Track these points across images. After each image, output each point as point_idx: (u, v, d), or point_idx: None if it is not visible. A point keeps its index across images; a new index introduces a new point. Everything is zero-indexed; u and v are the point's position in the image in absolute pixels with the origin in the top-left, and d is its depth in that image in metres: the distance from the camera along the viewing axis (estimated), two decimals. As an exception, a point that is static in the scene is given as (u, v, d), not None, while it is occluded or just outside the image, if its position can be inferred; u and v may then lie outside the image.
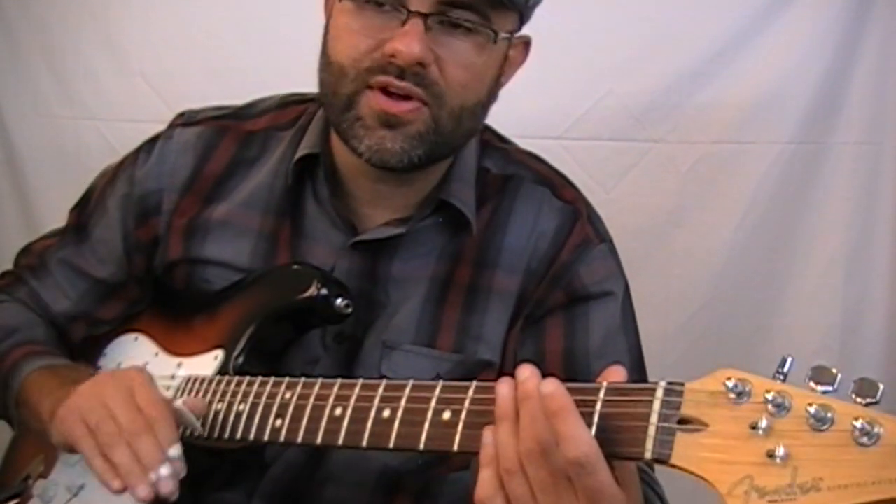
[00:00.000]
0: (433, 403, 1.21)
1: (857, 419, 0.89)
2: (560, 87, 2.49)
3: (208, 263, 1.66)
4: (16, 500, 1.63)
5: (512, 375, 1.12)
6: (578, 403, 1.06)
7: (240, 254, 1.65)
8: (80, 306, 1.78)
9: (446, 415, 1.19)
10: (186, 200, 1.70)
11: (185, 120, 1.76)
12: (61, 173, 2.65)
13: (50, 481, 1.58)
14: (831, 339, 2.56)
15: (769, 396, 0.95)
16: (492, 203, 1.64)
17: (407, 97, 1.46)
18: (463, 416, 1.18)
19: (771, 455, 0.93)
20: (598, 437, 1.05)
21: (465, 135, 1.56)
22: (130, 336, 1.72)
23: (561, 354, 1.58)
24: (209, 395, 1.47)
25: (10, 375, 1.65)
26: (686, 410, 1.01)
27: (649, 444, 1.02)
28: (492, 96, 1.56)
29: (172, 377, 1.58)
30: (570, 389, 1.07)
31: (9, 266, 1.90)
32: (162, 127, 1.79)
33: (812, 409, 0.92)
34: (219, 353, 1.56)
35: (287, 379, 1.39)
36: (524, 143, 1.76)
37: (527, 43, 1.62)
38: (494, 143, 1.71)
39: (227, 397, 1.45)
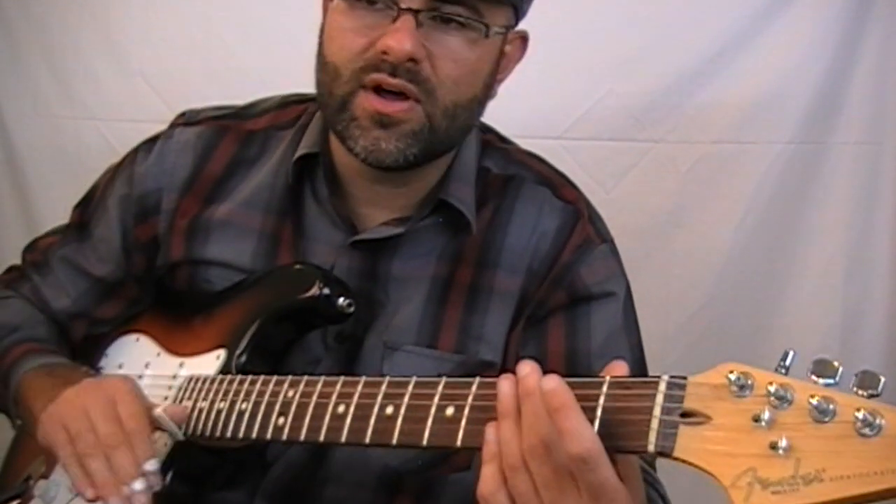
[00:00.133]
0: (436, 400, 1.21)
1: (858, 410, 0.90)
2: (560, 87, 2.50)
3: (210, 264, 1.66)
4: (17, 501, 1.62)
5: (513, 373, 1.12)
6: (582, 397, 1.06)
7: (241, 254, 1.65)
8: (80, 304, 1.78)
9: (449, 411, 1.19)
10: (187, 200, 1.70)
11: (186, 120, 1.77)
12: (61, 173, 2.65)
13: (51, 481, 1.57)
14: (831, 339, 2.56)
15: (771, 389, 0.95)
16: (493, 203, 1.64)
17: (400, 94, 1.46)
18: (466, 411, 1.17)
19: (774, 447, 0.93)
20: (601, 430, 1.05)
21: (461, 131, 1.56)
22: (132, 337, 1.72)
23: (563, 355, 1.58)
24: (211, 395, 1.47)
25: (9, 373, 1.66)
26: (689, 404, 1.01)
27: (652, 438, 1.02)
28: (487, 92, 1.56)
29: (174, 377, 1.58)
30: (573, 384, 1.08)
31: (8, 266, 1.91)
32: (162, 127, 1.79)
33: (814, 402, 0.92)
34: (221, 353, 1.56)
35: (289, 377, 1.39)
36: (524, 143, 1.76)
37: (524, 38, 1.62)
38: (495, 143, 1.71)
39: (230, 396, 1.44)
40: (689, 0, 2.51)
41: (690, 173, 2.55)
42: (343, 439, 1.28)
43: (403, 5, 1.43)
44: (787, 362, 0.99)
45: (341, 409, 1.29)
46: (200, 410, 1.47)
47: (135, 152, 1.78)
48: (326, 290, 1.53)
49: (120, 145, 2.20)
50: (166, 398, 1.54)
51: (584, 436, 1.03)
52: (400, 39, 1.42)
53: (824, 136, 2.52)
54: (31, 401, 1.58)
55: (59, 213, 1.92)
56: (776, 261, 2.58)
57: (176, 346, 1.64)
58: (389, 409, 1.24)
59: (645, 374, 1.64)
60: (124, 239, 1.74)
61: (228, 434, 1.42)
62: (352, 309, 1.53)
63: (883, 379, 0.92)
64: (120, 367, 1.68)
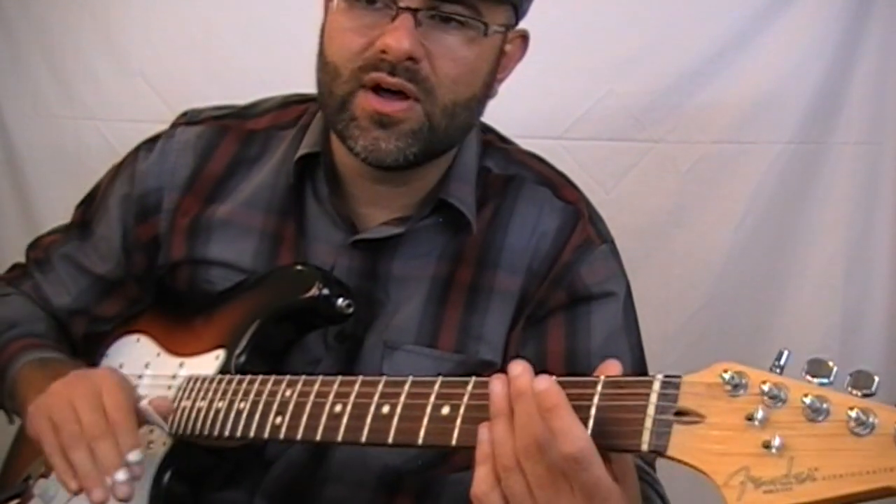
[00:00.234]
0: (432, 399, 1.21)
1: (852, 409, 0.90)
2: (560, 87, 2.49)
3: (211, 264, 1.67)
4: (17, 500, 1.63)
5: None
6: (577, 397, 1.07)
7: (243, 254, 1.65)
8: (80, 302, 1.79)
9: (445, 410, 1.19)
10: (188, 200, 1.70)
11: (188, 119, 1.77)
12: (61, 173, 2.65)
13: (51, 481, 1.58)
14: (831, 339, 2.56)
15: (765, 388, 0.96)
16: (493, 203, 1.64)
17: (399, 94, 1.46)
18: (461, 410, 1.18)
19: (767, 446, 0.93)
20: (595, 429, 1.06)
21: (461, 130, 1.56)
22: (132, 337, 1.72)
23: (562, 355, 1.58)
24: (210, 394, 1.48)
25: (7, 368, 1.67)
26: (683, 403, 1.01)
27: (646, 437, 1.02)
28: (487, 91, 1.56)
29: (174, 377, 1.58)
30: (568, 383, 1.08)
31: (8, 266, 1.92)
32: (162, 127, 1.80)
33: (808, 400, 0.92)
34: (220, 353, 1.56)
35: (287, 377, 1.39)
36: (524, 143, 1.76)
37: (524, 37, 1.62)
38: (496, 143, 1.71)
39: (228, 396, 1.45)
40: (689, 0, 2.50)
41: (690, 173, 2.54)
42: (339, 438, 1.28)
43: (402, 4, 1.43)
44: (782, 361, 0.99)
45: (338, 408, 1.30)
46: (199, 410, 1.47)
47: (136, 151, 1.78)
48: (326, 291, 1.53)
49: (120, 145, 2.21)
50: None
51: (576, 435, 1.03)
52: (398, 38, 1.43)
53: (824, 136, 2.51)
54: (23, 394, 1.59)
55: (59, 213, 1.93)
56: (776, 261, 2.57)
57: (176, 347, 1.64)
58: (386, 409, 1.25)
59: (645, 374, 1.65)
60: (125, 238, 1.75)
61: (226, 433, 1.42)
62: (351, 310, 1.53)
63: (877, 378, 0.92)
64: (120, 366, 1.67)
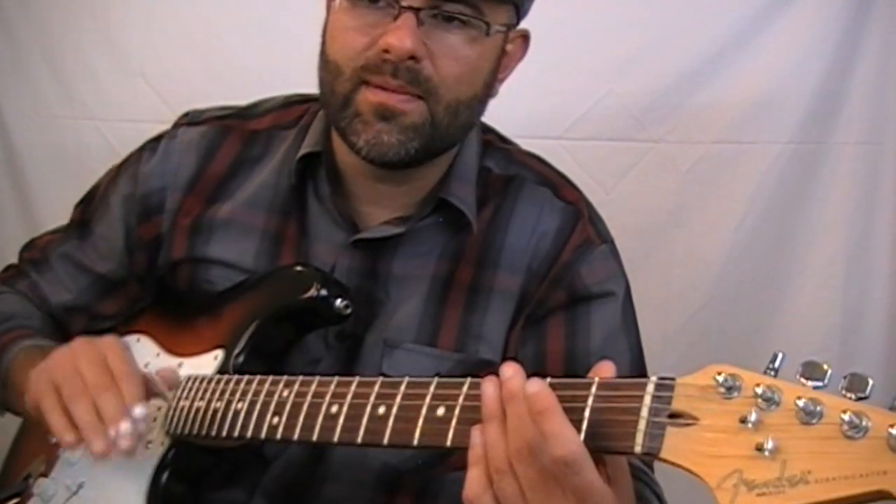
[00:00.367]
0: (428, 400, 1.21)
1: (845, 412, 0.90)
2: (560, 87, 2.49)
3: (212, 263, 1.67)
4: (16, 500, 1.63)
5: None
6: (570, 398, 1.07)
7: (244, 254, 1.65)
8: (81, 300, 1.79)
9: (440, 411, 1.19)
10: (190, 199, 1.70)
11: (190, 119, 1.77)
12: (61, 173, 2.66)
13: (50, 480, 1.58)
14: (831, 339, 2.56)
15: (759, 391, 0.95)
16: (493, 203, 1.64)
17: (402, 93, 1.46)
18: (457, 412, 1.17)
19: (760, 448, 0.93)
20: (588, 431, 1.06)
21: (462, 128, 1.56)
22: (133, 337, 1.71)
23: (562, 354, 1.58)
24: (208, 394, 1.47)
25: (0, 357, 1.67)
26: (677, 405, 1.01)
27: (639, 439, 1.02)
28: (489, 90, 1.57)
29: (173, 377, 1.59)
30: (562, 385, 1.08)
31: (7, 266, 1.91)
32: (162, 127, 1.80)
33: (801, 403, 0.92)
34: (219, 353, 1.56)
35: (285, 377, 1.39)
36: (524, 143, 1.77)
37: (525, 37, 1.62)
38: (496, 143, 1.72)
39: (226, 396, 1.44)
40: (689, 0, 2.50)
41: (690, 173, 2.55)
42: (336, 439, 1.28)
43: (404, 3, 1.43)
44: (776, 364, 0.99)
45: (335, 408, 1.29)
46: (197, 410, 1.47)
47: (139, 151, 1.79)
48: (324, 292, 1.53)
49: (120, 145, 2.21)
50: (164, 398, 1.55)
51: (567, 439, 1.03)
52: (401, 37, 1.43)
53: (824, 136, 2.52)
54: (20, 376, 1.58)
55: (59, 213, 1.92)
56: (776, 261, 2.57)
57: (176, 347, 1.64)
58: (382, 409, 1.24)
59: (643, 375, 1.65)
60: (127, 238, 1.75)
61: (224, 433, 1.42)
62: (349, 311, 1.54)
63: (871, 382, 0.92)
64: (120, 367, 1.69)
